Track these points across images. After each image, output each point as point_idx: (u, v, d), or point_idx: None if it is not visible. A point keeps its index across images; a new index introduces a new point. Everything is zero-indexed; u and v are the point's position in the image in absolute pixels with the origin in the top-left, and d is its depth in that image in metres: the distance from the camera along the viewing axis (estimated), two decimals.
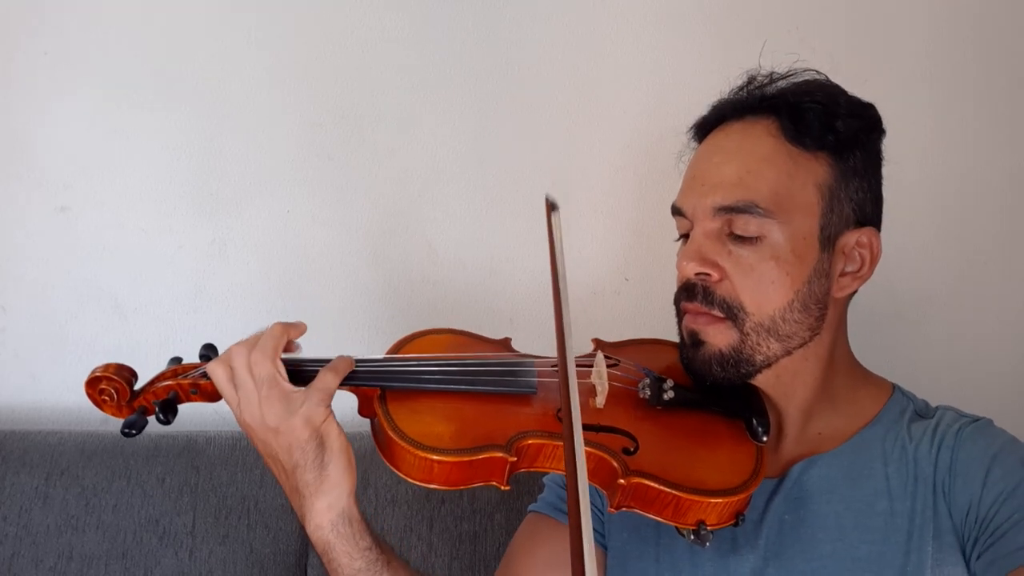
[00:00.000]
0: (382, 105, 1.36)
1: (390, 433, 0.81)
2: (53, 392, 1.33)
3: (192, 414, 1.31)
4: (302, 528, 1.19)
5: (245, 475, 1.20)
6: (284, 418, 0.80)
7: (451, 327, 0.98)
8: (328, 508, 0.83)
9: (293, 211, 1.35)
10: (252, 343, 0.83)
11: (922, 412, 0.91)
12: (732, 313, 0.85)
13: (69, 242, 1.33)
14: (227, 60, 1.34)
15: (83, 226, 1.33)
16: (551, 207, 0.70)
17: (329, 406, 0.82)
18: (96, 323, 1.34)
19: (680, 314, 0.90)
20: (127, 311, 1.34)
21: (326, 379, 0.82)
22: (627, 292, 1.39)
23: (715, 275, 0.85)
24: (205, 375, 0.86)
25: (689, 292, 0.87)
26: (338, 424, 0.83)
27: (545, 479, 1.04)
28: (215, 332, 1.19)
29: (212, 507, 1.18)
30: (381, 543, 0.88)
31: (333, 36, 1.35)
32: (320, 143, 1.35)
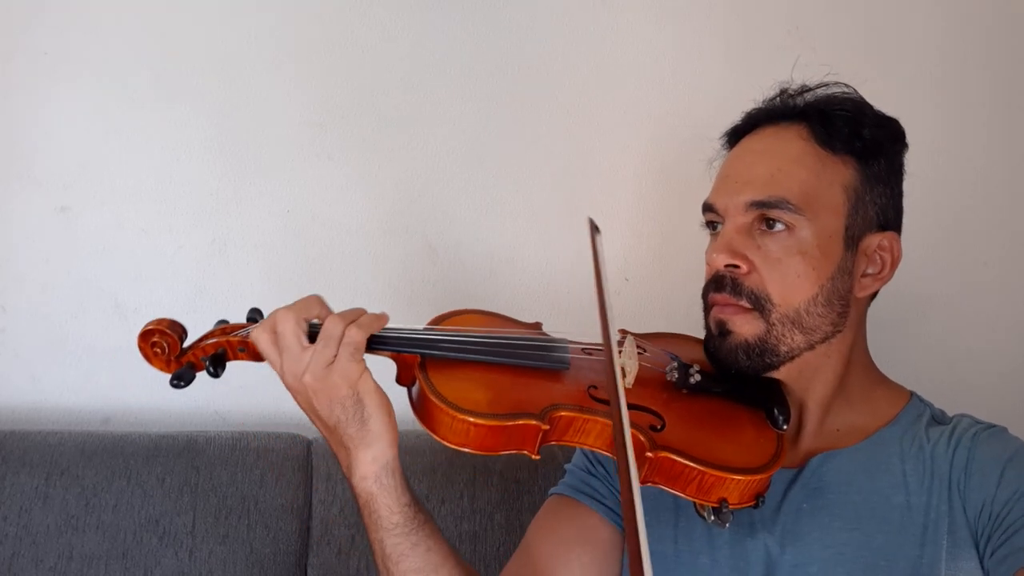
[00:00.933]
0: (382, 105, 1.36)
1: (430, 396, 0.84)
2: (53, 392, 1.33)
3: (192, 414, 1.31)
4: (302, 528, 1.20)
5: (245, 475, 1.20)
6: (323, 377, 0.83)
7: (485, 309, 1.02)
8: (373, 460, 0.86)
9: (293, 211, 1.36)
10: (300, 307, 0.87)
11: (939, 419, 0.94)
12: (759, 304, 0.88)
13: (69, 242, 1.33)
14: (227, 60, 1.34)
15: (83, 226, 1.33)
16: (594, 229, 0.72)
17: (362, 361, 0.85)
18: (96, 323, 1.33)
19: (708, 307, 0.93)
20: (127, 311, 1.34)
21: (351, 334, 0.85)
22: (627, 292, 1.39)
23: (744, 267, 0.88)
24: None
25: (718, 284, 0.90)
26: (375, 381, 0.86)
27: (567, 465, 1.06)
28: None
29: (212, 507, 1.18)
30: (420, 503, 0.90)
31: (333, 36, 1.35)
32: (320, 143, 1.35)
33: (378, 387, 0.86)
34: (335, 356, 0.84)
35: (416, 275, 1.37)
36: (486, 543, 1.20)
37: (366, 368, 0.85)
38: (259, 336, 0.86)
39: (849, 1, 1.40)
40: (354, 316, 0.87)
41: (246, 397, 1.33)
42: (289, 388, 0.87)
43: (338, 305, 1.35)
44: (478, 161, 1.37)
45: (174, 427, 1.26)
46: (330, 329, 0.85)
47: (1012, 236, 1.42)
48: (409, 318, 1.37)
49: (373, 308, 1.36)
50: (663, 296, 1.38)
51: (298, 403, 0.88)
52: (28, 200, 1.32)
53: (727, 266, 0.89)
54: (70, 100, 1.32)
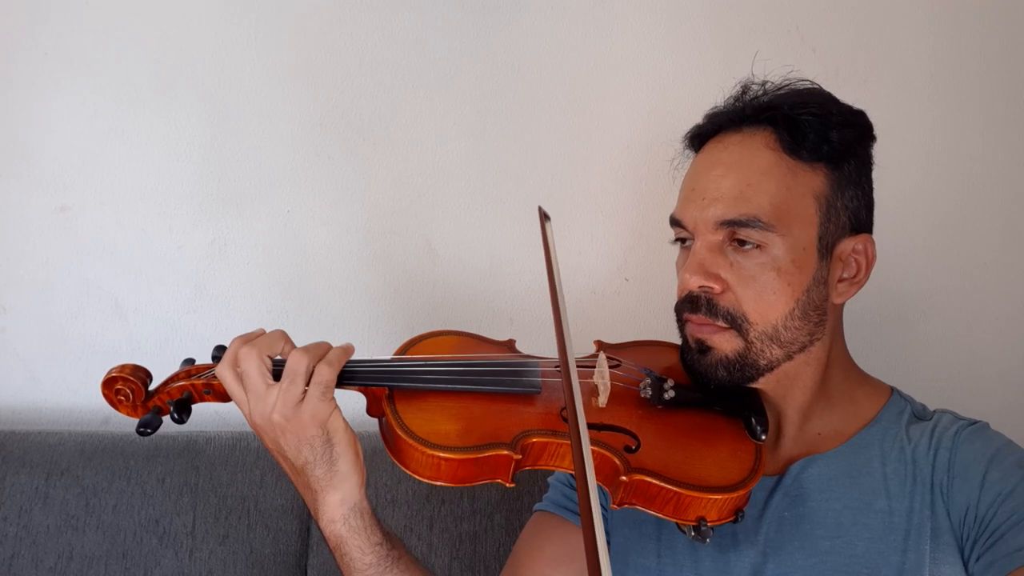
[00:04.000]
0: (382, 105, 1.36)
1: (399, 431, 0.83)
2: (53, 392, 1.33)
3: (192, 414, 1.31)
4: (302, 528, 1.20)
5: (245, 475, 1.20)
6: (291, 416, 0.82)
7: (455, 329, 1.00)
8: (340, 502, 0.85)
9: (293, 211, 1.36)
10: (264, 344, 0.84)
11: (920, 414, 0.92)
12: (736, 323, 0.86)
13: (69, 242, 1.33)
14: (227, 60, 1.34)
15: (83, 226, 1.33)
16: (544, 217, 0.71)
17: (332, 400, 0.83)
18: (96, 323, 1.34)
19: (682, 322, 0.91)
20: (127, 311, 1.34)
21: (322, 372, 0.83)
22: (627, 292, 1.39)
23: (717, 287, 0.87)
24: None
25: (693, 304, 0.88)
26: (344, 419, 0.84)
27: (550, 479, 1.05)
28: (215, 332, 1.19)
29: (212, 507, 1.18)
30: (392, 539, 0.89)
31: (333, 36, 1.35)
32: (320, 143, 1.35)
33: (347, 426, 0.84)
34: (303, 394, 0.82)
35: (416, 275, 1.37)
36: (486, 543, 1.20)
37: (336, 407, 0.84)
38: (223, 374, 0.84)
39: (849, 1, 1.40)
40: (321, 352, 0.84)
41: None
42: (255, 428, 0.85)
43: (339, 306, 1.36)
44: (478, 161, 1.37)
45: (174, 427, 1.26)
46: (295, 366, 0.82)
47: (1012, 237, 1.42)
48: (409, 317, 1.38)
49: (373, 308, 1.37)
50: (663, 296, 1.37)
51: (264, 443, 0.86)
52: (28, 200, 1.32)
53: (701, 287, 0.87)
54: (70, 100, 1.32)
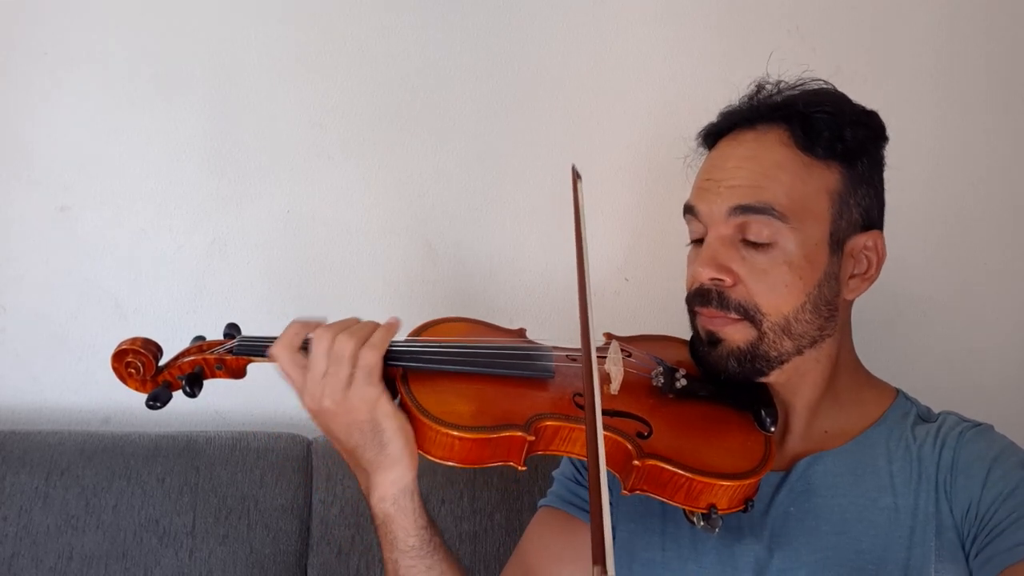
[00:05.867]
0: (382, 105, 1.36)
1: (413, 410, 0.83)
2: (53, 392, 1.33)
3: (192, 414, 1.31)
4: (302, 528, 1.20)
5: (245, 475, 1.20)
6: (340, 401, 0.82)
7: (467, 316, 1.01)
8: (392, 483, 0.85)
9: (293, 211, 1.36)
10: (340, 327, 0.84)
11: (925, 416, 0.93)
12: (749, 315, 0.87)
13: (69, 242, 1.33)
14: (227, 60, 1.34)
15: (83, 226, 1.33)
16: (576, 176, 0.71)
17: (379, 383, 0.83)
18: (96, 323, 1.33)
19: (693, 314, 0.92)
20: (127, 311, 1.34)
21: (366, 356, 0.83)
22: (627, 292, 1.39)
23: (728, 280, 0.87)
24: (231, 351, 0.88)
25: (703, 297, 0.88)
26: (392, 404, 0.84)
27: (554, 473, 1.06)
28: (215, 332, 1.19)
29: (212, 507, 1.18)
30: (436, 528, 0.90)
31: (333, 36, 1.35)
32: (320, 143, 1.35)
33: (397, 410, 0.84)
34: (351, 378, 0.82)
35: (416, 275, 1.37)
36: (486, 543, 1.20)
37: (384, 391, 0.83)
38: (280, 354, 0.84)
39: (849, 1, 1.40)
40: (366, 334, 0.84)
41: (246, 397, 1.33)
42: (308, 409, 0.85)
43: (338, 306, 1.36)
44: (478, 161, 1.37)
45: (174, 427, 1.26)
46: (341, 349, 0.82)
47: (1013, 236, 1.42)
48: (409, 317, 1.37)
49: (373, 308, 1.36)
50: (663, 296, 1.38)
51: (317, 425, 0.87)
52: (28, 200, 1.32)
53: (712, 279, 0.87)
54: (70, 100, 1.32)
